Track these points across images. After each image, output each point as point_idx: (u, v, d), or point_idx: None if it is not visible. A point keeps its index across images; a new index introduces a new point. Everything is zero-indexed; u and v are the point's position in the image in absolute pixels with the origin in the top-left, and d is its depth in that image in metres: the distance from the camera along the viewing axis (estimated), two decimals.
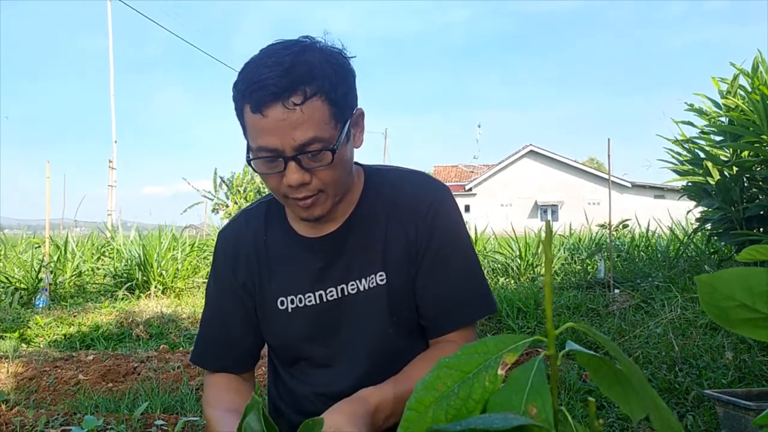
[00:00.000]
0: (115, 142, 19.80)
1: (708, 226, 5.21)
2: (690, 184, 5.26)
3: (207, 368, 1.18)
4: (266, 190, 1.04)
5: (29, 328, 5.10)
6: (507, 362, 0.51)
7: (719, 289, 0.49)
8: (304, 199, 0.98)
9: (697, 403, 2.85)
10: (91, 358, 4.13)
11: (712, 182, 4.84)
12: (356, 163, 1.15)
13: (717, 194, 4.74)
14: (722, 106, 4.91)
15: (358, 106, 1.03)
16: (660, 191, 25.72)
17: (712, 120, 5.00)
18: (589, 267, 6.60)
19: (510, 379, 0.50)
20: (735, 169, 4.67)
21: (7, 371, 3.81)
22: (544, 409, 0.46)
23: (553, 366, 0.50)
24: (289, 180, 0.95)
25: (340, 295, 1.08)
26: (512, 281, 6.73)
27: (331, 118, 0.94)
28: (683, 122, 5.39)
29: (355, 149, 1.05)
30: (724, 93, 4.98)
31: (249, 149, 0.98)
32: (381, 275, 1.07)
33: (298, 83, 0.90)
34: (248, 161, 0.98)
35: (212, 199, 20.52)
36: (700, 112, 5.20)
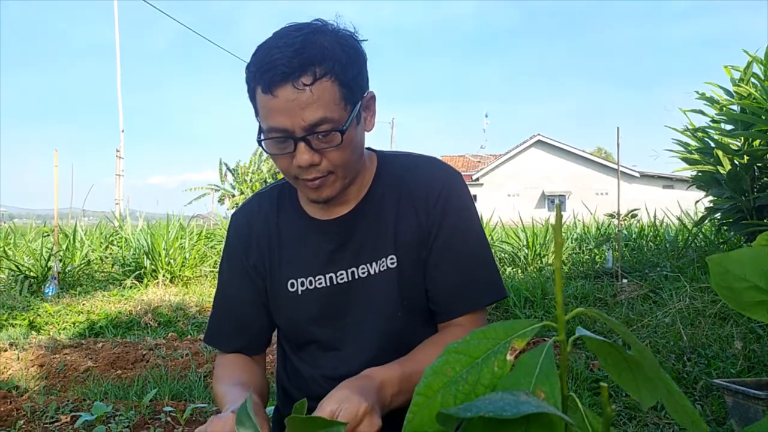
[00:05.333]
0: (122, 131, 19.88)
1: (717, 215, 5.17)
2: (700, 173, 5.21)
3: (219, 348, 1.19)
4: (272, 179, 1.04)
5: (39, 315, 5.14)
6: (516, 348, 0.51)
7: (731, 270, 0.48)
8: (313, 180, 0.99)
9: (706, 392, 2.84)
10: (100, 345, 4.16)
11: (723, 171, 4.79)
12: (369, 149, 1.15)
13: (727, 183, 4.69)
14: (734, 95, 4.85)
15: (370, 90, 1.03)
16: (669, 181, 25.53)
17: (724, 109, 4.94)
18: (597, 257, 6.57)
19: (519, 363, 0.49)
20: (746, 158, 4.62)
21: (18, 358, 3.85)
22: (553, 394, 0.46)
23: (563, 351, 0.49)
24: (299, 161, 0.96)
25: (350, 278, 1.08)
26: (519, 271, 6.72)
27: (340, 99, 0.94)
28: (693, 111, 5.34)
29: (366, 133, 1.06)
30: (737, 81, 4.92)
31: (260, 130, 0.99)
32: (392, 259, 1.08)
33: (308, 64, 0.91)
34: (259, 142, 0.99)
35: (218, 190, 20.59)
36: (711, 101, 5.14)
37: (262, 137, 0.98)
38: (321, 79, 0.91)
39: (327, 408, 0.83)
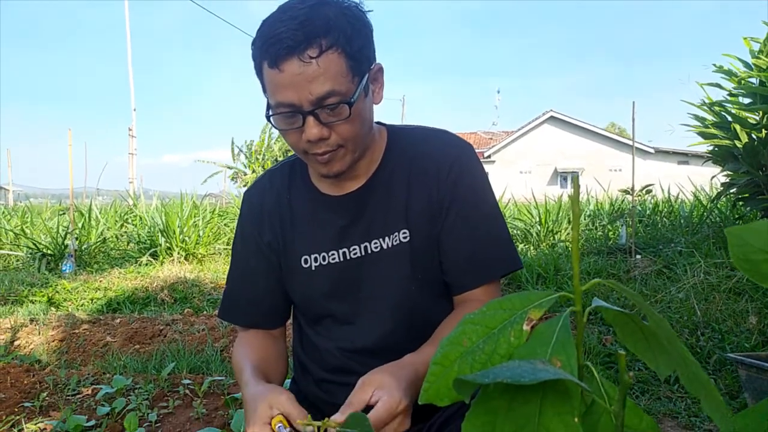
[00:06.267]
0: (134, 110, 19.94)
1: (733, 190, 5.10)
2: (716, 148, 5.13)
3: (234, 323, 1.21)
4: (283, 158, 1.04)
5: (57, 292, 5.24)
6: (532, 318, 0.51)
7: (749, 242, 0.48)
8: (323, 155, 0.99)
9: (719, 366, 2.84)
10: (118, 321, 4.24)
11: (740, 146, 4.71)
12: (380, 123, 1.14)
13: (744, 158, 4.62)
14: (753, 67, 4.74)
15: (377, 62, 1.02)
16: (684, 157, 25.16)
17: (742, 81, 4.83)
18: (610, 233, 6.53)
19: (535, 333, 0.49)
20: (764, 132, 4.53)
21: (39, 333, 3.94)
22: (569, 363, 0.46)
23: (579, 322, 0.50)
24: (308, 135, 0.95)
25: (363, 253, 1.09)
26: (532, 247, 6.70)
27: (348, 71, 0.93)
28: (710, 84, 5.23)
29: (375, 106, 1.05)
30: (756, 53, 4.80)
31: (269, 106, 0.98)
32: (404, 233, 1.08)
33: (313, 36, 0.90)
34: (268, 118, 0.99)
35: (231, 168, 20.66)
36: (729, 74, 5.02)
37: (271, 113, 0.97)
38: (327, 51, 0.91)
39: (366, 390, 0.86)
